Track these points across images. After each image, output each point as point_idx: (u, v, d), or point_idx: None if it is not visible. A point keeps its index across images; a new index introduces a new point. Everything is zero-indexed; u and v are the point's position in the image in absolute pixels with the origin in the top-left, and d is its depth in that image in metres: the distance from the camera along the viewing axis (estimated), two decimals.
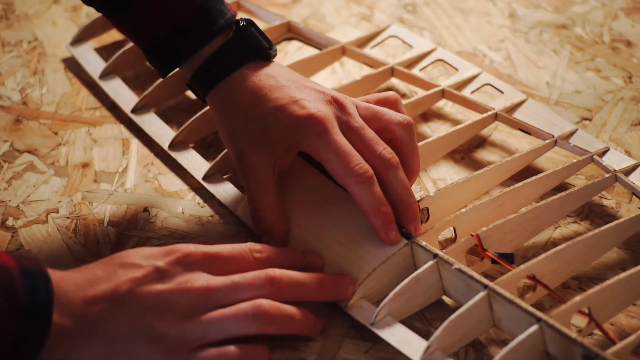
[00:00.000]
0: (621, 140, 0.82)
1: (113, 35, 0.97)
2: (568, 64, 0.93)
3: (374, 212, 0.65)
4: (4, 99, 0.89)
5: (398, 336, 0.61)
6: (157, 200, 0.77)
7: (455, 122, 0.85)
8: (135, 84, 0.88)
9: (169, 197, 0.77)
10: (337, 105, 0.68)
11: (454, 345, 0.60)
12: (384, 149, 0.66)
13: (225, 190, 0.76)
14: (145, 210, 0.76)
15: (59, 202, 0.77)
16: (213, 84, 0.71)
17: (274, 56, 0.72)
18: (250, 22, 0.72)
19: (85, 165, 0.81)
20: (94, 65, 0.92)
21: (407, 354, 0.60)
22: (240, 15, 0.99)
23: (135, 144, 0.83)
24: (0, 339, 0.53)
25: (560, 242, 0.71)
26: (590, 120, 0.85)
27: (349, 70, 0.93)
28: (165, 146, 0.81)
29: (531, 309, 0.59)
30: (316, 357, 0.62)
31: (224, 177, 0.77)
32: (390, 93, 0.73)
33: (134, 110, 0.85)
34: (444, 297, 0.66)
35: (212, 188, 0.76)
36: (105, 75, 0.90)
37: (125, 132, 0.85)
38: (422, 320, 0.65)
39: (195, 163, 0.79)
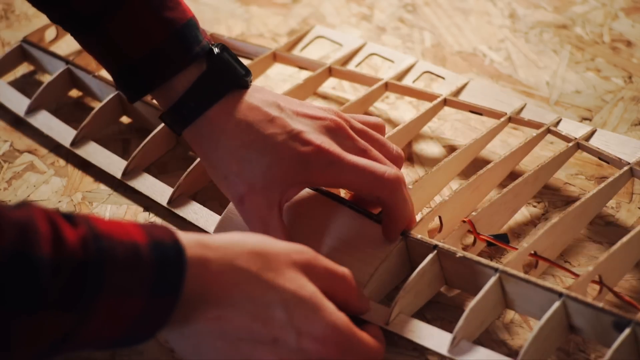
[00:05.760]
0: None
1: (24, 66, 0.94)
2: (568, 64, 0.93)
3: (405, 218, 0.65)
4: None
5: (418, 332, 0.62)
6: None
7: (404, 110, 0.86)
8: (57, 114, 0.85)
9: None
10: (337, 129, 0.66)
11: (475, 332, 0.61)
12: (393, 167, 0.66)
13: (195, 212, 0.74)
14: (146, 210, 0.76)
15: (59, 202, 0.77)
16: (190, 119, 0.66)
17: (250, 82, 0.68)
18: (224, 48, 0.68)
19: (85, 165, 0.81)
20: (16, 102, 0.86)
21: (433, 348, 0.60)
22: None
23: (135, 144, 0.83)
24: (126, 318, 0.51)
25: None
26: (590, 120, 0.85)
27: (281, 73, 0.92)
28: (118, 175, 0.78)
29: (550, 285, 0.60)
30: None
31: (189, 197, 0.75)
32: (379, 120, 0.71)
33: (73, 144, 0.81)
34: (441, 295, 0.66)
35: (181, 212, 0.74)
36: (31, 111, 0.85)
37: (125, 131, 0.85)
38: (423, 320, 0.64)
39: (156, 188, 0.76)
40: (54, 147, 0.83)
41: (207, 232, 0.71)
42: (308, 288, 0.56)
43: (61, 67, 0.87)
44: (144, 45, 0.67)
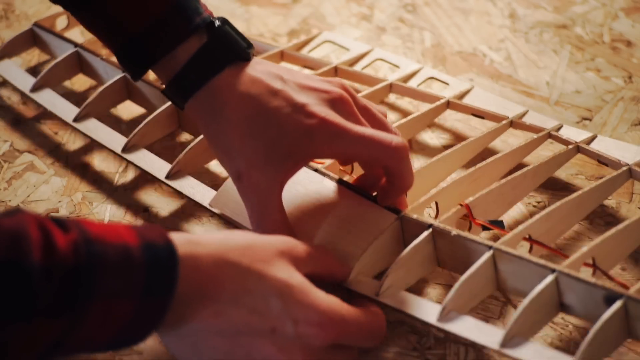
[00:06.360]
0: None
1: (33, 53, 0.95)
2: (568, 64, 0.93)
3: (408, 186, 0.66)
4: (4, 99, 0.89)
5: (408, 303, 0.62)
6: (157, 200, 0.77)
7: (406, 113, 0.87)
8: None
9: (169, 197, 0.77)
10: (341, 103, 0.65)
11: (465, 306, 0.61)
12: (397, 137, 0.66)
13: (192, 186, 0.74)
14: (145, 210, 0.76)
15: (59, 202, 0.77)
16: (192, 91, 0.65)
17: (253, 54, 0.67)
18: (225, 21, 0.67)
19: (85, 165, 0.81)
20: (21, 80, 0.88)
21: (423, 318, 0.61)
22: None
23: None
24: (119, 320, 0.51)
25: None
26: (590, 120, 0.85)
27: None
28: (118, 150, 0.78)
29: (543, 262, 0.60)
30: None
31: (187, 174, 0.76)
32: (382, 109, 0.70)
33: (76, 120, 0.82)
34: (436, 285, 0.66)
35: (178, 185, 0.74)
36: (36, 88, 0.86)
37: (125, 131, 0.85)
38: None
39: (155, 164, 0.77)
40: (54, 147, 0.83)
41: (203, 205, 0.72)
42: (296, 276, 0.57)
43: (70, 49, 0.88)
44: (144, 18, 0.66)
